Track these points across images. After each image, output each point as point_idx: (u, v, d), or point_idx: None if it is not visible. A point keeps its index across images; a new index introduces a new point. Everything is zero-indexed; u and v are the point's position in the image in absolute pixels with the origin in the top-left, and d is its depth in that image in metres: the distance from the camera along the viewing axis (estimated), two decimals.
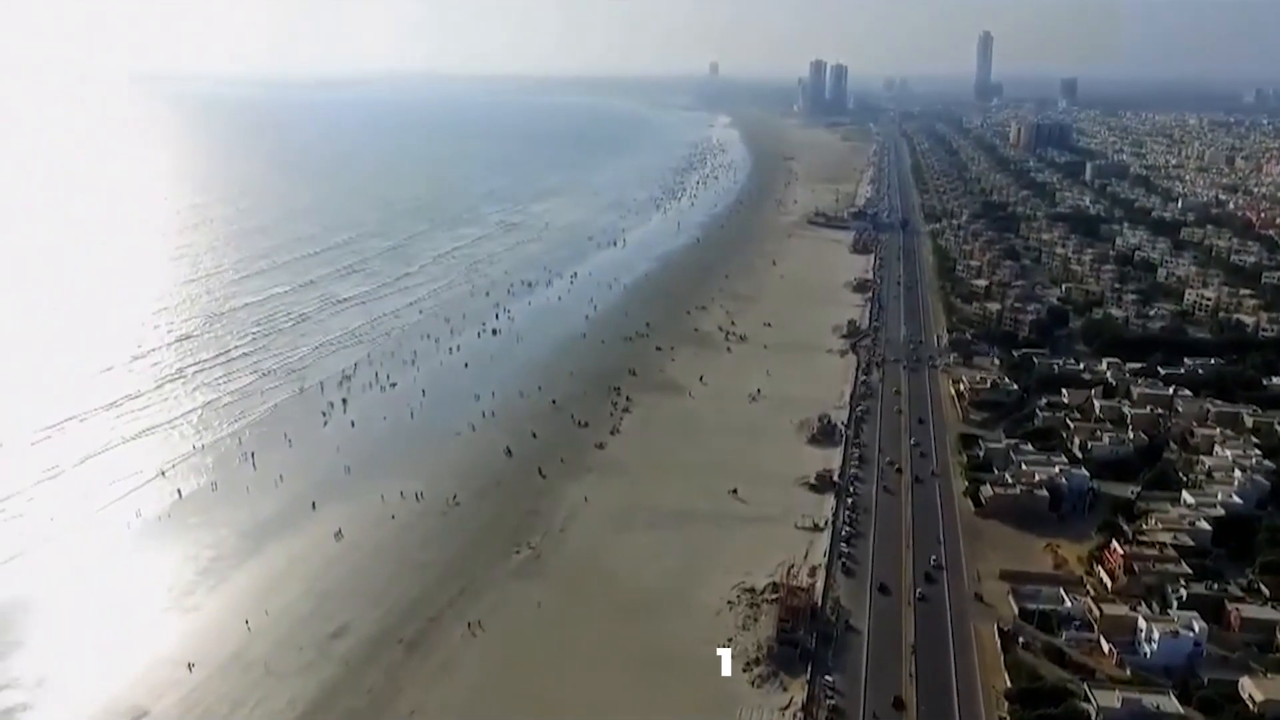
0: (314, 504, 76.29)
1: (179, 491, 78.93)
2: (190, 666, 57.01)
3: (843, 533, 71.81)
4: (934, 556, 68.54)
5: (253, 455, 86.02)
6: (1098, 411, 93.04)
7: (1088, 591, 63.36)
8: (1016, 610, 61.39)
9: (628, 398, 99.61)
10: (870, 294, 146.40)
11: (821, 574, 65.84)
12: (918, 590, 64.50)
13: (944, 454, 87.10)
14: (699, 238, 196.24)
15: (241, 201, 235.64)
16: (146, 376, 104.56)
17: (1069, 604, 61.26)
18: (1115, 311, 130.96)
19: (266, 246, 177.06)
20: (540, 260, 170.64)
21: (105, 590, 64.95)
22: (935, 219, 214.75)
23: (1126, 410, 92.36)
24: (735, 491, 78.24)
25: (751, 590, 63.95)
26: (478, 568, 67.80)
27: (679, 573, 66.51)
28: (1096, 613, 59.67)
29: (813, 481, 79.50)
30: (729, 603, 62.96)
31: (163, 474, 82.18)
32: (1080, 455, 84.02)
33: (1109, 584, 64.09)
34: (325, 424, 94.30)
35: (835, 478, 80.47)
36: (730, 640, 59.03)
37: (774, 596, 62.43)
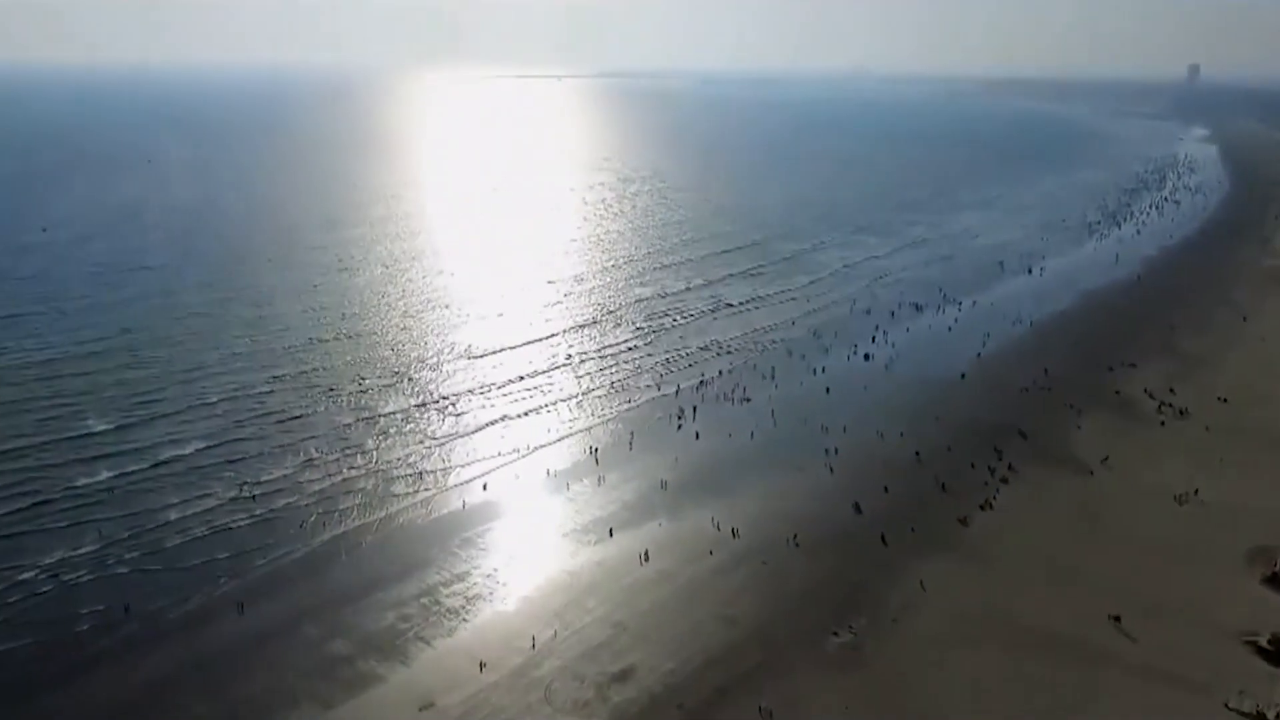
0: (632, 518, 73.49)
1: (516, 476, 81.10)
2: (481, 666, 56.39)
3: None
4: None
5: (595, 451, 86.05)
6: None
7: None
8: None
9: (1010, 465, 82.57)
10: None
11: None
12: None
13: None
14: (1140, 274, 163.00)
15: (664, 193, 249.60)
16: (540, 360, 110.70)
17: None
18: None
19: (677, 241, 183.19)
20: (937, 281, 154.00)
21: (423, 568, 67.42)
22: None
23: None
24: (1119, 620, 59.42)
25: None
26: (787, 640, 58.81)
27: None
28: None
29: (1264, 644, 57.06)
30: None
31: (518, 454, 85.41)
32: None
33: None
34: (678, 428, 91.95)
35: None
36: None
37: None
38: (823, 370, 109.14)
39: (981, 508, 75.16)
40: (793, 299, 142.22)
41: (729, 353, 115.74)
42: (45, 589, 62.28)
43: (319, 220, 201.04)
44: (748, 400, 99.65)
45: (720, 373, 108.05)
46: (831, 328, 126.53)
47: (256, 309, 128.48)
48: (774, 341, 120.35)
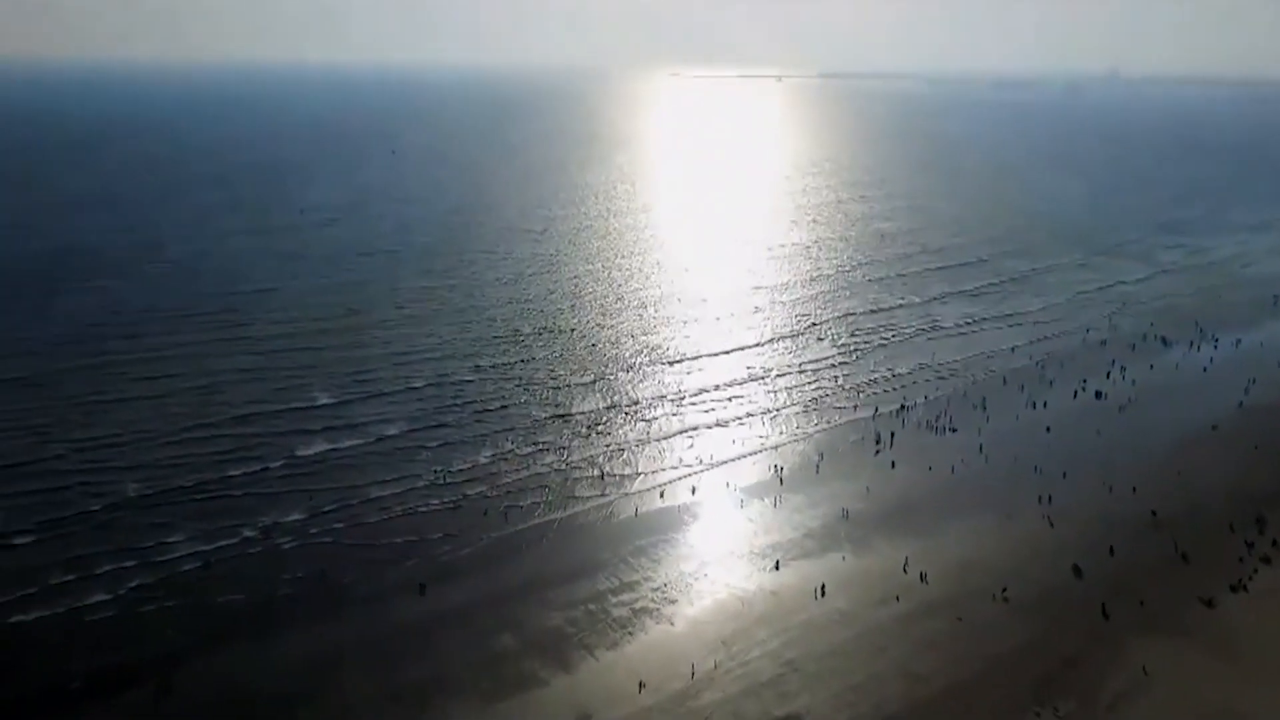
0: (813, 547, 69.11)
1: (693, 489, 79.01)
2: (641, 686, 54.66)
3: None
4: None
5: (780, 471, 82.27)
6: None
7: None
8: None
9: (1274, 541, 69.75)
10: None
11: None
12: None
13: None
14: None
15: (883, 201, 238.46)
16: (734, 371, 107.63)
17: None
18: None
19: (893, 253, 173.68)
20: (1193, 313, 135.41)
21: (594, 572, 66.56)
22: None
23: None
24: None
25: None
26: (979, 711, 52.52)
27: None
28: None
29: None
30: None
31: (701, 466, 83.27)
32: None
33: None
34: (875, 454, 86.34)
35: None
36: None
37: None
38: (1044, 405, 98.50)
39: (1233, 589, 63.86)
40: (1017, 324, 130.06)
41: (938, 378, 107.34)
42: (256, 549, 67.51)
43: (534, 213, 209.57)
44: (954, 430, 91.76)
45: (926, 398, 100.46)
46: (1058, 358, 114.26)
47: (467, 297, 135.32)
48: (990, 370, 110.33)
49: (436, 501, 75.37)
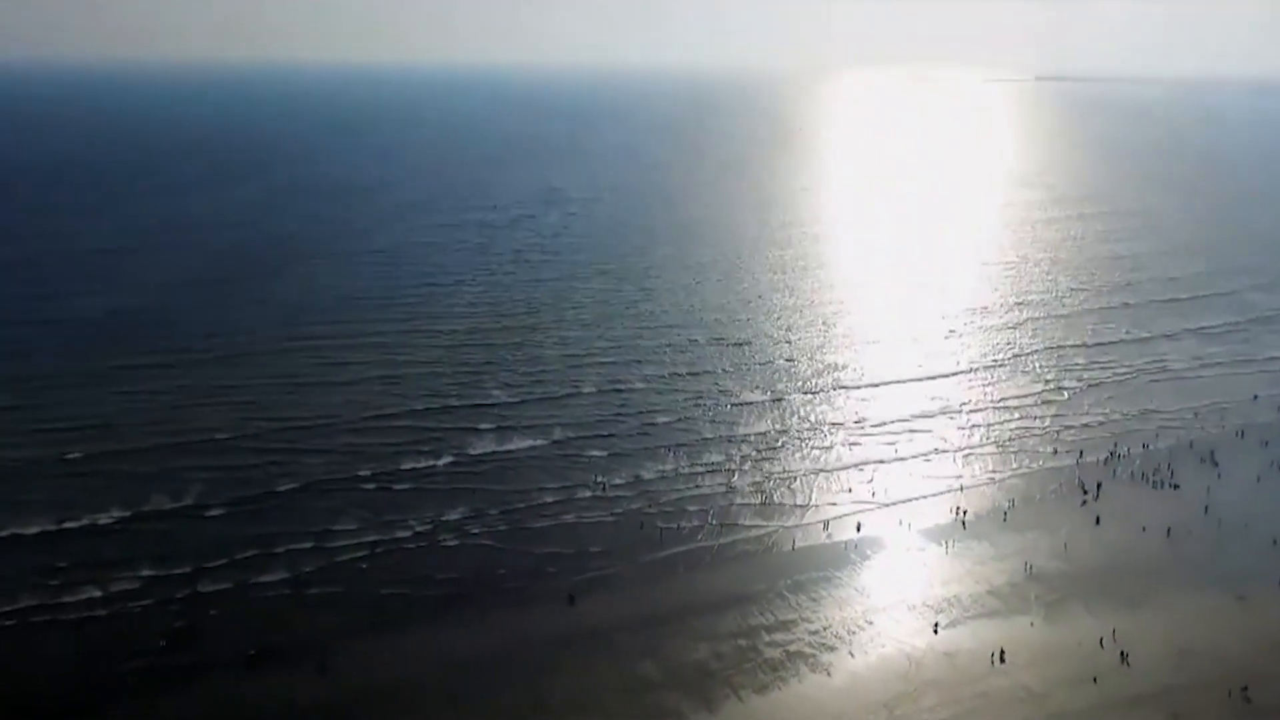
0: (995, 607, 61.71)
1: (858, 525, 73.27)
2: None
3: None
4: None
5: (963, 515, 74.76)
6: None
7: None
8: None
9: None
10: None
11: None
12: None
13: None
14: None
15: (1108, 220, 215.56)
16: (921, 402, 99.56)
17: None
18: None
19: (1116, 281, 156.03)
20: None
21: (747, 604, 62.51)
22: None
23: None
24: None
25: None
26: None
27: None
28: None
29: None
30: None
31: (875, 502, 77.29)
32: None
33: None
34: (1082, 504, 76.89)
35: None
36: None
37: None
38: None
39: None
40: (1262, 370, 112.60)
41: (1160, 426, 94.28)
42: (419, 544, 68.89)
43: (715, 217, 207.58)
44: (1175, 487, 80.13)
45: (1144, 447, 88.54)
46: None
47: (641, 302, 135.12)
48: (1224, 420, 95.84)
49: (594, 513, 74.14)
